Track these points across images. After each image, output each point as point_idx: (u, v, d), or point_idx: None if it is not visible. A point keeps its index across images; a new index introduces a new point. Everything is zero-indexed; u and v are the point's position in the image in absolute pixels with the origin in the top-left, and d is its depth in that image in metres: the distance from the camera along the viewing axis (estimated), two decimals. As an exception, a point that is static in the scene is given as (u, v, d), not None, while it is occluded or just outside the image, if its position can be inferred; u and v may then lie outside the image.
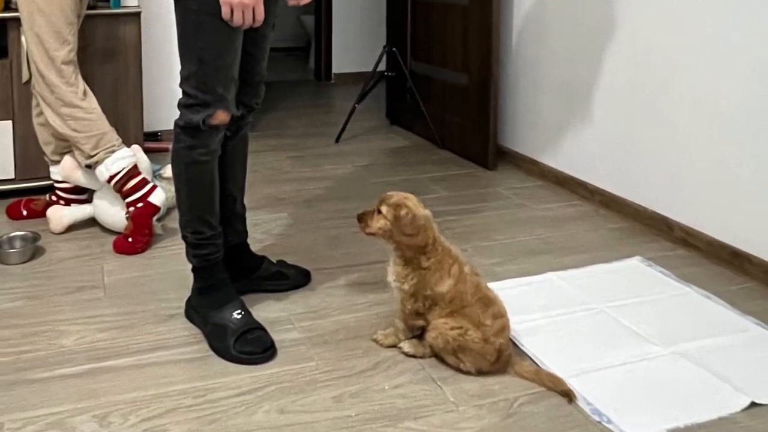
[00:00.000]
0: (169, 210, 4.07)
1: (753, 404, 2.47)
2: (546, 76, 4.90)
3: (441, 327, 2.65)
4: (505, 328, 2.66)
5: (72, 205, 3.99)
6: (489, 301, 2.67)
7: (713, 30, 3.60)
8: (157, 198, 3.75)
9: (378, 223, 2.69)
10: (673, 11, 3.82)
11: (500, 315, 2.66)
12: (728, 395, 2.51)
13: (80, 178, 3.84)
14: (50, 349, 2.77)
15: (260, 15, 2.60)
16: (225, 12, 2.55)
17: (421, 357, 2.75)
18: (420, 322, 2.75)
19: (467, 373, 2.63)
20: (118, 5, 4.54)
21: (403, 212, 2.64)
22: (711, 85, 3.64)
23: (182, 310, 3.05)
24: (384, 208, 2.68)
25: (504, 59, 5.27)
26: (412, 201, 2.70)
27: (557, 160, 4.84)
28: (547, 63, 4.89)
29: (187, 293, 3.03)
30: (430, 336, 2.70)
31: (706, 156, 3.70)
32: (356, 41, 8.72)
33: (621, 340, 2.87)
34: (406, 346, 2.78)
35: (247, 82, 2.98)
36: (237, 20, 2.57)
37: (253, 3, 2.55)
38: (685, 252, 3.76)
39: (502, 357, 2.63)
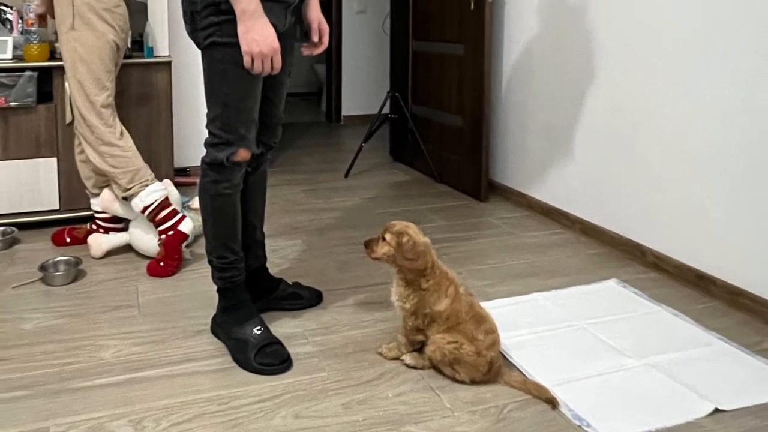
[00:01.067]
0: (196, 237, 4.06)
1: (716, 410, 2.48)
2: (532, 118, 4.90)
3: (439, 341, 2.65)
4: (495, 342, 2.66)
5: (110, 233, 3.98)
6: (481, 319, 2.67)
7: (682, 78, 3.61)
8: (186, 227, 3.76)
9: (382, 249, 2.70)
10: (646, 62, 3.84)
11: (491, 331, 2.66)
12: (694, 402, 2.52)
13: (117, 209, 3.84)
14: (91, 361, 2.77)
15: (277, 64, 2.62)
16: (246, 61, 2.57)
17: (421, 368, 2.74)
18: (420, 338, 2.75)
19: (462, 382, 2.64)
20: (151, 55, 4.56)
21: (404, 239, 2.65)
22: (680, 127, 3.64)
23: (208, 327, 3.04)
24: (388, 236, 2.69)
25: (495, 103, 5.29)
26: (412, 229, 2.71)
27: (542, 193, 4.83)
28: (533, 107, 4.89)
29: (213, 311, 3.03)
30: (429, 349, 2.70)
31: (675, 190, 3.70)
32: (363, 87, 8.72)
33: (599, 353, 2.87)
34: (408, 358, 2.78)
35: (266, 123, 2.99)
36: (257, 69, 2.59)
37: (271, 54, 2.56)
38: (656, 275, 3.76)
39: (493, 368, 2.64)
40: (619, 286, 3.58)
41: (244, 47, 2.55)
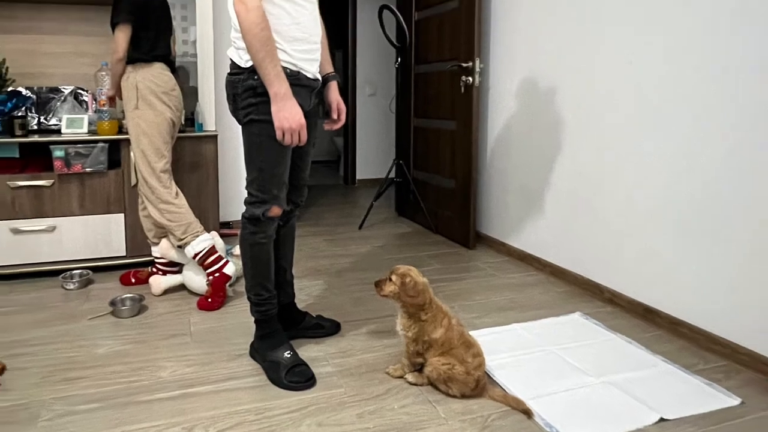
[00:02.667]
0: (237, 278, 4.07)
1: (661, 419, 2.48)
2: (511, 181, 4.91)
3: (435, 363, 2.66)
4: (481, 364, 2.66)
5: (167, 275, 3.98)
6: (470, 344, 2.67)
7: (633, 148, 3.63)
8: (229, 269, 3.77)
9: (389, 288, 2.71)
10: (603, 136, 3.86)
11: (478, 354, 2.66)
12: (643, 412, 2.53)
13: (173, 255, 3.86)
14: (151, 379, 2.78)
15: (304, 138, 2.65)
16: (278, 135, 2.60)
17: (421, 385, 2.74)
18: (420, 360, 2.75)
19: (454, 396, 2.64)
20: (201, 130, 4.60)
21: (407, 280, 2.67)
22: (630, 188, 3.66)
23: (247, 351, 3.05)
24: (394, 277, 2.71)
25: (481, 169, 5.30)
26: (414, 272, 2.72)
27: (519, 242, 4.83)
28: (512, 172, 4.90)
29: (251, 339, 3.04)
30: (427, 370, 2.70)
31: (626, 239, 3.72)
32: (374, 156, 8.73)
33: (566, 373, 2.87)
34: (410, 377, 2.78)
35: (295, 185, 3.02)
36: (287, 141, 2.62)
37: (298, 129, 2.59)
38: (611, 309, 3.76)
39: (479, 385, 2.64)
40: (582, 318, 3.58)
41: (276, 123, 2.58)
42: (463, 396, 2.64)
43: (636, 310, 3.65)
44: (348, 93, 8.61)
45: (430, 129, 5.69)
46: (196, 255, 3.74)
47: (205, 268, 3.76)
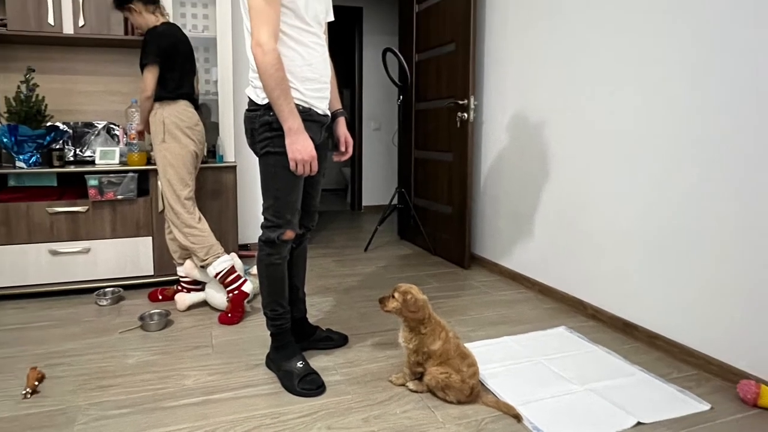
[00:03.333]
0: (255, 296, 4.12)
1: (639, 423, 2.50)
2: (503, 207, 4.93)
3: (434, 372, 2.67)
4: (476, 373, 2.68)
5: (191, 292, 4.01)
6: (465, 355, 2.69)
7: (612, 176, 3.67)
8: (248, 287, 3.79)
9: (392, 304, 2.73)
10: (584, 165, 3.90)
11: (472, 364, 2.68)
12: (622, 417, 2.54)
13: (196, 275, 3.88)
14: (176, 386, 2.80)
15: (315, 168, 2.68)
16: (292, 166, 2.63)
17: (420, 392, 2.76)
18: (420, 370, 2.77)
19: (451, 402, 2.66)
20: (221, 161, 4.64)
21: (408, 297, 2.69)
22: (612, 214, 3.69)
23: (264, 362, 3.08)
24: (396, 294, 2.73)
25: (475, 196, 5.33)
26: (414, 289, 2.74)
27: (510, 262, 4.84)
28: (503, 198, 4.91)
29: (267, 350, 3.06)
30: (426, 378, 2.72)
31: (607, 260, 3.74)
32: (378, 184, 8.74)
33: (552, 381, 2.89)
34: (411, 385, 2.80)
35: (306, 211, 3.05)
36: (300, 171, 2.65)
37: (310, 160, 2.62)
38: (594, 323, 3.78)
39: (474, 392, 2.65)
40: (567, 331, 3.59)
41: (290, 155, 2.61)
42: (459, 402, 2.66)
43: (616, 325, 3.67)
44: (355, 127, 8.67)
45: (430, 160, 5.71)
46: (217, 274, 3.77)
47: (226, 286, 3.79)
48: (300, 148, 2.61)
